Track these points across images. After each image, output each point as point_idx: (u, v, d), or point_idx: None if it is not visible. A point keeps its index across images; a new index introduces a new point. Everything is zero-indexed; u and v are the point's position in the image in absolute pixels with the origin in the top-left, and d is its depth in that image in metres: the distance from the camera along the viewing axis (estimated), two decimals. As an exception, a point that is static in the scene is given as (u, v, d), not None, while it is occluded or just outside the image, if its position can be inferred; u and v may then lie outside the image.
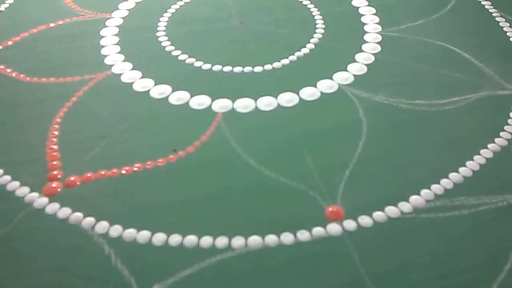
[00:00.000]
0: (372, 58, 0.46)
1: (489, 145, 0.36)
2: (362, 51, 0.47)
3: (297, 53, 0.45)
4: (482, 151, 0.35)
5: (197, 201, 0.31)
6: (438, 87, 0.43)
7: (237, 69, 0.43)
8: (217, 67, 0.44)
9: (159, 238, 0.29)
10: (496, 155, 0.35)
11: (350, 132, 0.36)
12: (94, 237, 0.29)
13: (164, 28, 0.50)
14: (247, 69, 0.43)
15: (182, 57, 0.45)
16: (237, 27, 0.50)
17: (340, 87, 0.43)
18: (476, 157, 0.34)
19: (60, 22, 0.51)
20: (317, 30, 0.50)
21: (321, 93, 0.42)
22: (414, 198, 0.31)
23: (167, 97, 0.40)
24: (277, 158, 0.34)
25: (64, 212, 0.30)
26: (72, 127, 0.37)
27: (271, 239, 0.29)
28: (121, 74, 0.43)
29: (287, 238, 0.29)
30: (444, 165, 0.34)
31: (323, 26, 0.51)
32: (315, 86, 0.41)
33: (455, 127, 0.37)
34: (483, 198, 0.31)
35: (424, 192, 0.32)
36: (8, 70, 0.43)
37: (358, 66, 0.45)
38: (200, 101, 0.39)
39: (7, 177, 0.33)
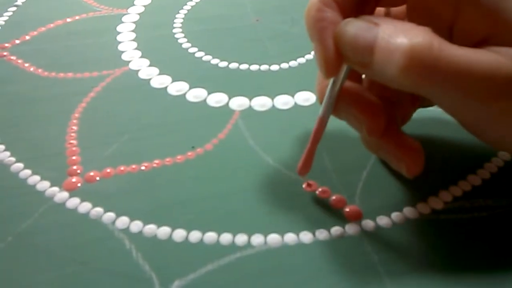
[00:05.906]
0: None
1: (507, 148, 0.36)
2: (377, 50, 0.47)
3: (313, 52, 0.45)
4: (500, 154, 0.35)
5: (216, 198, 0.31)
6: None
7: (254, 67, 0.43)
8: (233, 65, 0.43)
9: (179, 234, 0.29)
10: (514, 158, 0.35)
11: (367, 132, 0.36)
12: (115, 232, 0.29)
13: (180, 25, 0.50)
14: (264, 67, 0.43)
15: (199, 54, 0.45)
16: (253, 25, 0.50)
17: (356, 86, 0.42)
18: (494, 159, 0.34)
19: (77, 17, 0.51)
20: (332, 29, 0.50)
21: (338, 92, 0.42)
22: (432, 200, 0.31)
23: (184, 94, 0.40)
24: (294, 157, 0.34)
25: (85, 207, 0.30)
26: (91, 122, 0.37)
27: (290, 237, 0.29)
28: (138, 71, 0.43)
29: (306, 237, 0.29)
30: (462, 166, 0.34)
31: (339, 25, 0.51)
32: (331, 85, 0.41)
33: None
34: (501, 200, 0.31)
35: (442, 193, 0.32)
36: (26, 65, 0.43)
37: (374, 65, 0.45)
38: (217, 99, 0.39)
39: (28, 171, 0.33)
